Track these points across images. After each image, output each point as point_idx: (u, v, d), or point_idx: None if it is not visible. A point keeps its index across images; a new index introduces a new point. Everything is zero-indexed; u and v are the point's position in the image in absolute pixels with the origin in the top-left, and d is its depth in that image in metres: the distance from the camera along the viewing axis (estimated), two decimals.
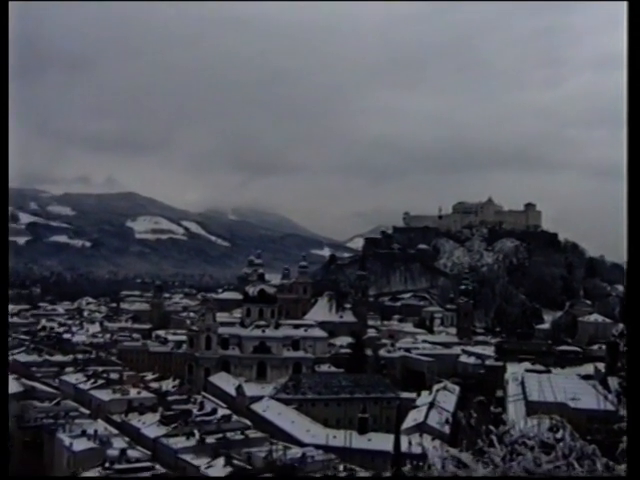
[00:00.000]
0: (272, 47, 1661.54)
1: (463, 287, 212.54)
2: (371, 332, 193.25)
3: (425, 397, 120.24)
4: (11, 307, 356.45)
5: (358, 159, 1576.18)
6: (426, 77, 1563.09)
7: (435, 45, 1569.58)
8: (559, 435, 10.83)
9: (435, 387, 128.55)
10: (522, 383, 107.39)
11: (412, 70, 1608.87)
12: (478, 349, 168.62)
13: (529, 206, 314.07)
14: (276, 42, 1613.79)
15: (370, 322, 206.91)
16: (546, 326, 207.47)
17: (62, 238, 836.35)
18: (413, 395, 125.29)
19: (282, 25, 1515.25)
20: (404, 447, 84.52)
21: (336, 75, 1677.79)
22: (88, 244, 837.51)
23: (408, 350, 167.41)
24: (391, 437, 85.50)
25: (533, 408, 79.06)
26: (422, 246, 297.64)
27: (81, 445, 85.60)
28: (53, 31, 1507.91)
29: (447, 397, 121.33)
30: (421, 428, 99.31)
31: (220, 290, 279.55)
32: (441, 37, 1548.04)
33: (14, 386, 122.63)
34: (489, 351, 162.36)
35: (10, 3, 16.37)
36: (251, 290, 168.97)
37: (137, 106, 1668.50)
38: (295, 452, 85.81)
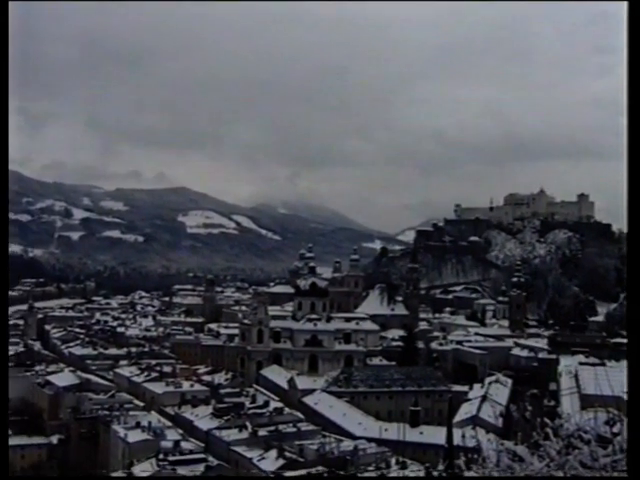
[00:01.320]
0: (322, 40, 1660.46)
1: (515, 279, 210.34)
2: (423, 325, 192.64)
3: (477, 390, 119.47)
4: (66, 301, 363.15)
5: (408, 151, 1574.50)
6: (476, 67, 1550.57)
7: (485, 35, 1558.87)
8: (616, 429, 10.63)
9: (487, 380, 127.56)
10: (576, 376, 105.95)
11: (462, 61, 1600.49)
12: (531, 342, 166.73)
13: (582, 197, 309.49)
14: (326, 35, 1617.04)
15: (422, 315, 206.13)
16: (600, 318, 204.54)
17: (115, 233, 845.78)
18: (465, 388, 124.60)
19: (331, 18, 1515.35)
20: (457, 440, 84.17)
21: (385, 67, 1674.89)
22: (141, 239, 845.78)
23: (460, 343, 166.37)
24: (443, 430, 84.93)
25: (588, 401, 78.06)
26: (473, 238, 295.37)
27: (135, 437, 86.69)
28: (107, 28, 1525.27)
29: (499, 390, 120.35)
30: (473, 421, 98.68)
31: (271, 284, 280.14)
32: (490, 27, 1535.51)
33: (70, 378, 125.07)
34: (542, 344, 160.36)
35: (10, 3, 16.48)
36: (302, 283, 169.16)
37: (188, 101, 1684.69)
38: (347, 445, 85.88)
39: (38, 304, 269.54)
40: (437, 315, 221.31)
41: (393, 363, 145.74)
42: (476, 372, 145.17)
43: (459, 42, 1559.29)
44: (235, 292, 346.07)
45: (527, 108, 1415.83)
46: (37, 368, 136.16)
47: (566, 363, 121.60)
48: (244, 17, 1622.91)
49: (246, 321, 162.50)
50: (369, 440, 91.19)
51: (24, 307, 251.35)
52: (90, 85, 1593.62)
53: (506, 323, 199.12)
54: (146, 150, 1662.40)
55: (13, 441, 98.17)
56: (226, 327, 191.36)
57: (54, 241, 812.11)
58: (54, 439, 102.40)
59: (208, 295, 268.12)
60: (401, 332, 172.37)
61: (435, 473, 74.92)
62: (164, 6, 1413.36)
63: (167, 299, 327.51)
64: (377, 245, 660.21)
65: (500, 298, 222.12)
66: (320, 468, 76.49)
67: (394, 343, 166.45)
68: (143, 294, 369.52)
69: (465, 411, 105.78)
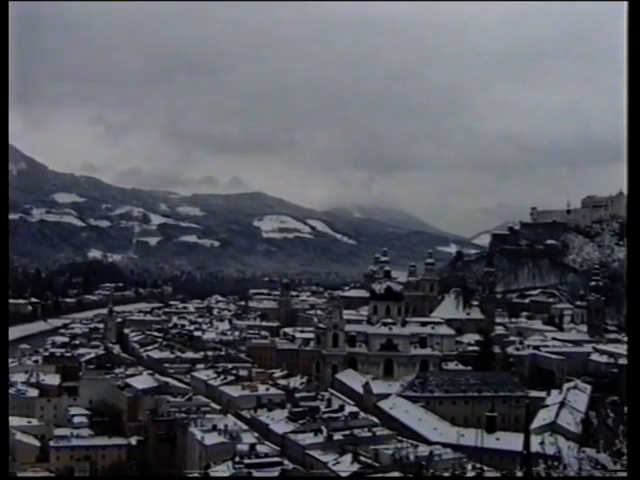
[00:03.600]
0: (397, 44, 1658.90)
1: (594, 283, 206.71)
2: (499, 329, 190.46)
3: (555, 396, 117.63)
4: (144, 305, 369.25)
5: (482, 154, 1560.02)
6: (550, 70, 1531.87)
7: (557, 38, 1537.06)
8: None
9: (565, 386, 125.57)
10: None
11: (536, 64, 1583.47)
12: (610, 347, 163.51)
13: None
14: (401, 40, 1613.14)
15: (498, 319, 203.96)
16: None
17: (191, 238, 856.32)
18: (542, 394, 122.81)
19: (404, 24, 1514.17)
20: (535, 447, 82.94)
21: (460, 71, 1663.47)
22: (217, 244, 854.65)
23: (537, 348, 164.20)
24: (520, 436, 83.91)
25: None
26: (550, 242, 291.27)
27: (212, 439, 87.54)
28: (183, 37, 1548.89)
29: (578, 396, 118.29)
30: (552, 428, 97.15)
31: (346, 288, 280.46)
32: (562, 29, 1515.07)
33: (149, 381, 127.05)
34: (622, 350, 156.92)
35: (10, 3, 16.76)
36: (378, 287, 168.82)
37: (262, 107, 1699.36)
38: (422, 450, 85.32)
39: (117, 308, 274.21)
40: (513, 319, 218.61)
41: (469, 368, 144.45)
42: (554, 378, 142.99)
43: (532, 45, 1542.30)
44: (310, 296, 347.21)
45: (604, 109, 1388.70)
46: (117, 371, 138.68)
47: None
48: (319, 22, 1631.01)
49: (321, 325, 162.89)
50: (445, 445, 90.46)
51: (104, 311, 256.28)
52: (167, 94, 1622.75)
53: (584, 328, 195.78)
54: (221, 156, 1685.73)
55: (94, 441, 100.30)
56: (301, 331, 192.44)
57: (132, 246, 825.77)
58: (133, 440, 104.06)
59: (283, 299, 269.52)
60: (477, 336, 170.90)
61: None
62: (239, 14, 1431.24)
63: (243, 303, 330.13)
64: (452, 249, 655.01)
65: (578, 302, 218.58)
66: (395, 473, 76.16)
67: (470, 348, 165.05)
68: (219, 298, 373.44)
69: (543, 417, 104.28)
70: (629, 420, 8.80)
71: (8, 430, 51.89)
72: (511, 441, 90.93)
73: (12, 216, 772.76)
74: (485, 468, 79.98)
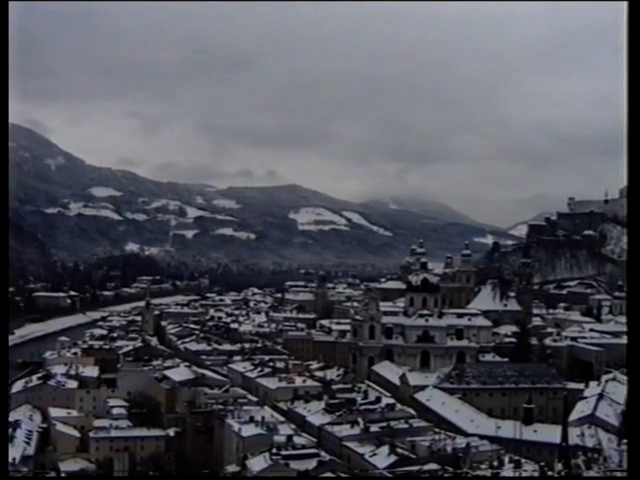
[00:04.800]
0: (430, 37, 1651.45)
1: None
2: (536, 321, 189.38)
3: (593, 388, 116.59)
4: (181, 298, 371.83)
5: (518, 144, 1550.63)
6: (586, 60, 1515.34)
7: (593, 27, 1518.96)
8: None
9: (604, 378, 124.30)
10: None
11: (570, 53, 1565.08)
12: None
13: None
14: (434, 32, 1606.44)
15: (535, 310, 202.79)
16: None
17: (228, 231, 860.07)
18: (581, 386, 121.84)
19: (438, 15, 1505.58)
20: (573, 439, 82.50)
21: (494, 61, 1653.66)
22: (253, 236, 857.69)
23: (575, 339, 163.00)
24: (558, 429, 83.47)
25: None
26: (588, 232, 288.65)
27: (249, 431, 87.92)
28: (216, 31, 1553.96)
29: (617, 388, 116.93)
30: (590, 420, 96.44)
31: (383, 279, 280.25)
32: (597, 17, 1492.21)
33: (186, 373, 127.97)
34: None
35: (10, 3, 16.95)
36: (414, 279, 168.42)
37: (296, 100, 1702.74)
38: (459, 442, 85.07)
39: (154, 301, 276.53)
40: (551, 311, 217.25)
41: (506, 359, 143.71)
42: (592, 369, 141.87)
43: (569, 35, 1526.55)
44: (346, 288, 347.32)
45: None
46: (154, 363, 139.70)
47: None
48: (353, 16, 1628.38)
49: (358, 317, 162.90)
50: (482, 437, 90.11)
51: (141, 304, 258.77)
52: (202, 88, 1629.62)
53: (623, 319, 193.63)
54: (257, 149, 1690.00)
55: (133, 433, 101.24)
56: (338, 323, 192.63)
57: (169, 239, 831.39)
58: (171, 432, 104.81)
59: (320, 291, 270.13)
60: (514, 328, 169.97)
61: (550, 473, 73.84)
62: (272, 8, 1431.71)
63: (279, 295, 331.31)
64: (489, 240, 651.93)
65: (616, 293, 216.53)
66: (432, 465, 76.08)
67: (507, 339, 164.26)
68: (256, 291, 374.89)
69: (581, 409, 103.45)
70: (629, 420, 8.80)
71: (8, 430, 53.01)
72: (549, 433, 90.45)
73: (50, 210, 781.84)
74: (523, 460, 79.51)
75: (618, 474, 59.47)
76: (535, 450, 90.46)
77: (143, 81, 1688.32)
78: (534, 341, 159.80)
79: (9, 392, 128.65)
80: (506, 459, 78.73)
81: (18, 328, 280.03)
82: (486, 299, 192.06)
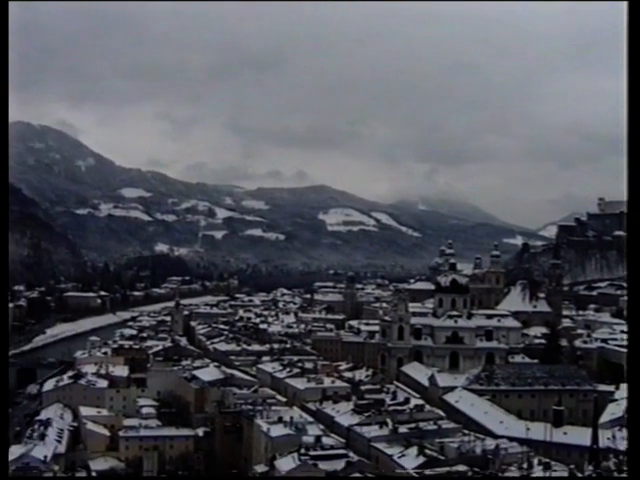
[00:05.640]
0: (457, 37, 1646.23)
1: None
2: (566, 322, 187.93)
3: (624, 390, 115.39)
4: (210, 298, 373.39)
5: (547, 145, 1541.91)
6: (614, 58, 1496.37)
7: (621, 26, 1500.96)
8: None
9: None
10: None
11: (600, 52, 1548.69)
12: None
13: None
14: (460, 32, 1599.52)
15: (565, 312, 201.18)
16: None
17: (257, 232, 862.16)
18: (611, 388, 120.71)
19: (467, 16, 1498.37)
20: (604, 442, 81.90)
21: (522, 61, 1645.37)
22: (282, 237, 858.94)
23: (605, 341, 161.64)
24: (588, 431, 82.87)
25: None
26: (618, 233, 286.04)
27: (278, 431, 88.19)
28: (245, 32, 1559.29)
29: None
30: (621, 422, 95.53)
31: (412, 280, 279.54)
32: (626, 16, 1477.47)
33: (215, 373, 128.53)
34: None
35: (10, 3, 17.13)
36: (443, 280, 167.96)
37: (325, 101, 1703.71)
38: (488, 443, 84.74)
39: (184, 301, 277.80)
40: (581, 312, 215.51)
41: (535, 361, 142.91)
42: (622, 371, 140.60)
43: (598, 34, 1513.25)
44: (375, 289, 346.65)
45: None
46: (184, 363, 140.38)
47: None
48: (381, 17, 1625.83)
49: (387, 318, 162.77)
50: (511, 439, 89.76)
51: (171, 304, 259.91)
52: (231, 89, 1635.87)
53: None
54: (286, 150, 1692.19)
55: (163, 432, 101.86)
56: (367, 324, 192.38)
57: (198, 240, 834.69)
58: (200, 431, 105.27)
59: (349, 292, 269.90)
60: (544, 329, 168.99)
61: (580, 475, 73.40)
62: (302, 9, 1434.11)
63: (308, 296, 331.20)
64: (518, 241, 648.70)
65: None
66: (461, 467, 75.88)
67: (536, 341, 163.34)
68: (285, 291, 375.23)
69: (612, 412, 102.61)
70: (629, 420, 8.79)
71: (8, 431, 53.61)
72: (579, 435, 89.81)
73: (81, 211, 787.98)
74: (552, 462, 79.04)
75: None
76: (565, 452, 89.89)
77: (173, 83, 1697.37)
78: (564, 342, 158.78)
79: (42, 390, 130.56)
80: (535, 461, 78.31)
81: (49, 328, 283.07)
82: (515, 300, 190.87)
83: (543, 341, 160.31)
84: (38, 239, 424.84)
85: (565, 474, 74.35)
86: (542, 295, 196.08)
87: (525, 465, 77.13)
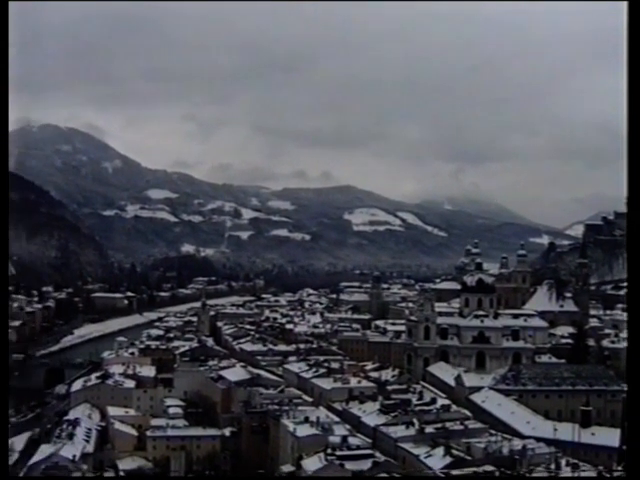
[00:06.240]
0: (483, 36, 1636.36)
1: None
2: (593, 322, 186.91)
3: None
4: (236, 299, 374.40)
5: (574, 143, 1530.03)
6: None
7: None
8: None
9: None
10: None
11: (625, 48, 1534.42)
12: None
13: None
14: (483, 31, 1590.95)
15: (592, 311, 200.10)
16: None
17: (282, 232, 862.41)
18: None
19: (491, 15, 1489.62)
20: None
21: (547, 59, 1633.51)
22: (307, 237, 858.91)
23: None
24: (617, 432, 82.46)
25: None
26: None
27: (304, 431, 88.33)
28: (271, 33, 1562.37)
29: None
30: None
31: (437, 280, 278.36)
32: None
33: (242, 373, 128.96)
34: None
35: (10, 3, 17.16)
36: (469, 280, 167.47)
37: (350, 101, 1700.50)
38: (515, 444, 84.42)
39: (210, 302, 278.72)
40: (608, 312, 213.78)
41: (563, 361, 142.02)
42: None
43: (621, 31, 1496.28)
44: (401, 289, 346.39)
45: None
46: (210, 363, 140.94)
47: None
48: (405, 17, 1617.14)
49: (413, 318, 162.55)
50: (538, 440, 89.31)
51: (197, 304, 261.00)
52: (256, 90, 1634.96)
53: None
54: (311, 150, 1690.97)
55: (190, 432, 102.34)
56: (393, 324, 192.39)
57: (224, 241, 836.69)
58: (227, 431, 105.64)
59: (375, 292, 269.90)
60: (571, 329, 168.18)
61: (608, 476, 72.85)
62: (328, 10, 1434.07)
63: (334, 296, 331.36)
64: (545, 240, 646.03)
65: None
66: (488, 467, 75.64)
67: (563, 340, 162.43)
68: (311, 291, 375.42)
69: None
70: (629, 421, 8.83)
71: (8, 431, 53.99)
72: (607, 436, 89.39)
73: (108, 212, 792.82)
74: (580, 463, 78.58)
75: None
76: (593, 453, 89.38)
77: (198, 84, 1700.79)
78: (591, 342, 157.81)
79: (70, 390, 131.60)
80: (563, 462, 77.90)
81: (77, 328, 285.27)
82: (542, 300, 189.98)
83: (570, 341, 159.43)
84: (66, 241, 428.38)
85: (593, 475, 73.91)
86: (569, 295, 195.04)
87: (553, 466, 76.76)
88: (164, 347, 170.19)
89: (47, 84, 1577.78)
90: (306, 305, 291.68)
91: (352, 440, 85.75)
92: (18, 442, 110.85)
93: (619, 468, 74.85)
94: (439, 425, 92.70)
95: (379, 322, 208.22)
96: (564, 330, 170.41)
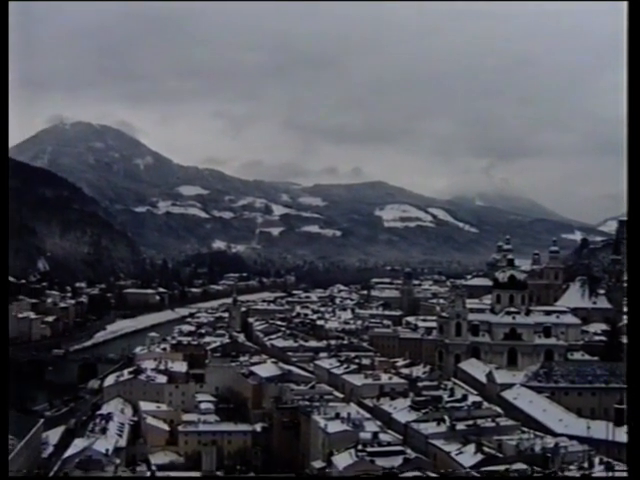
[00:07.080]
0: (514, 33, 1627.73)
1: None
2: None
3: None
4: (267, 295, 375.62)
5: (606, 138, 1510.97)
6: None
7: None
8: None
9: None
10: None
11: None
12: None
13: None
14: (514, 27, 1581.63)
15: (626, 308, 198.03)
16: None
17: (313, 228, 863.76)
18: None
19: (521, 12, 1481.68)
20: None
21: (579, 55, 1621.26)
22: (338, 233, 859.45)
23: None
24: None
25: None
26: None
27: (335, 427, 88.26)
28: (300, 31, 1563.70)
29: None
30: None
31: (469, 276, 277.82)
32: None
33: (273, 369, 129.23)
34: None
35: (10, 3, 17.21)
36: (501, 276, 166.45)
37: (381, 97, 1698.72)
38: (548, 442, 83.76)
39: (241, 297, 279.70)
40: None
41: (596, 358, 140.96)
42: None
43: None
44: (432, 285, 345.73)
45: None
46: (241, 359, 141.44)
47: None
48: (435, 14, 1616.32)
49: (444, 314, 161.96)
50: (571, 438, 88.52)
51: (228, 300, 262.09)
52: (286, 87, 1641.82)
53: None
54: (342, 146, 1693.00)
55: (221, 427, 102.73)
56: (424, 320, 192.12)
57: (255, 237, 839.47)
58: (258, 427, 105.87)
59: (406, 288, 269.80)
60: (604, 326, 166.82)
61: None
62: (358, 7, 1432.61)
63: (365, 292, 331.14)
64: (577, 236, 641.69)
65: None
66: (519, 465, 75.12)
67: (597, 337, 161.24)
68: (342, 287, 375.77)
69: None
70: (629, 421, 8.68)
71: (8, 432, 54.37)
72: None
73: (140, 209, 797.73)
74: (614, 462, 77.73)
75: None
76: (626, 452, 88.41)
77: (229, 81, 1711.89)
78: (625, 339, 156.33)
79: (103, 385, 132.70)
80: (596, 460, 77.05)
81: (110, 324, 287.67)
82: (575, 296, 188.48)
83: (603, 338, 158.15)
84: (98, 237, 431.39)
85: (625, 475, 73.05)
86: (602, 291, 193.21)
87: (586, 464, 75.99)
88: (195, 343, 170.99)
89: (80, 82, 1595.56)
90: (337, 301, 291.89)
91: (383, 436, 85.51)
92: (53, 436, 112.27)
93: None
94: (470, 422, 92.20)
95: (410, 318, 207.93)
96: (597, 327, 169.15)
